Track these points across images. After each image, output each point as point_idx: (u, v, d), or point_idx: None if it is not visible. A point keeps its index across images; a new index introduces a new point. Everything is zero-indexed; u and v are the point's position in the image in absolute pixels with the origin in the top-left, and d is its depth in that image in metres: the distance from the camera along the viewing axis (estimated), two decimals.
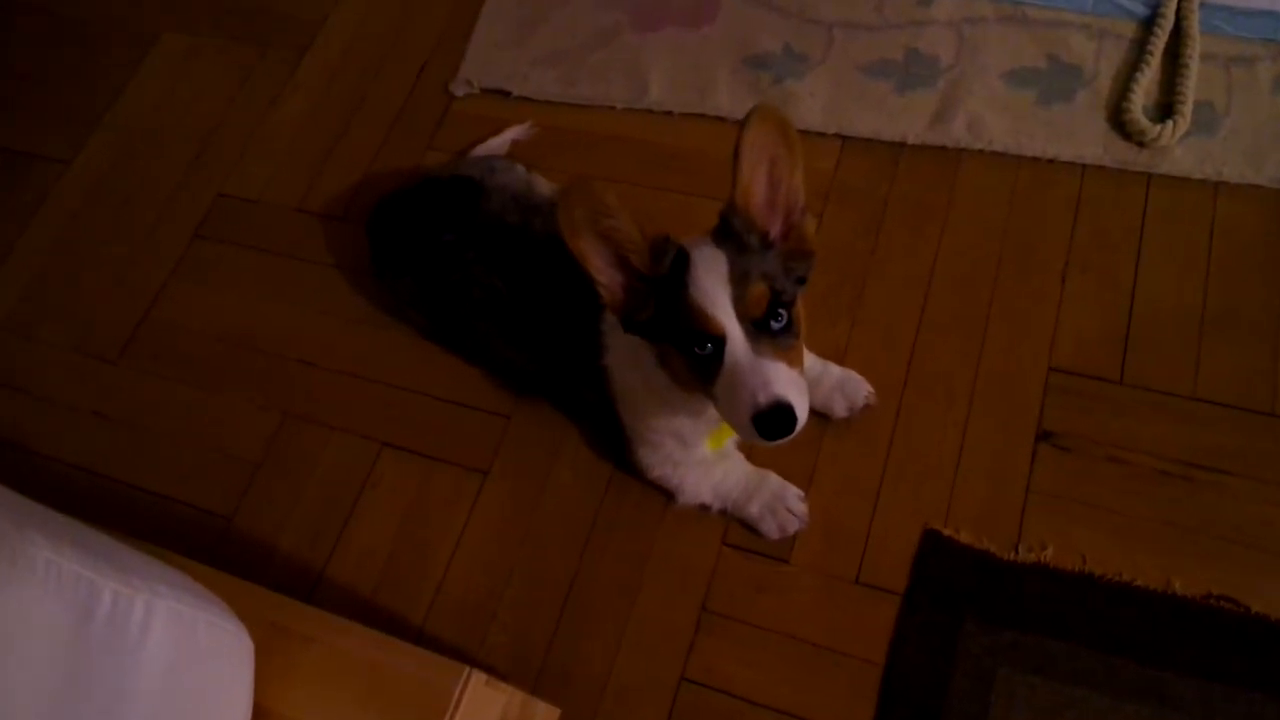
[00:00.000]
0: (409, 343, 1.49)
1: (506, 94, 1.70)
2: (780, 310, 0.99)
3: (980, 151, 1.47)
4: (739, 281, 0.97)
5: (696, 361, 1.00)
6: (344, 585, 1.33)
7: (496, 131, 1.64)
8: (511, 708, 0.93)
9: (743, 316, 0.97)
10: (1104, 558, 1.17)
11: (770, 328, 0.98)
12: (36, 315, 1.66)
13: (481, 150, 1.59)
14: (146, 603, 0.66)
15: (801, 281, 1.04)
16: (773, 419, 0.94)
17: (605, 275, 1.02)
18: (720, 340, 0.97)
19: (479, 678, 0.83)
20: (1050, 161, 1.45)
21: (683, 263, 0.99)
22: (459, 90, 1.73)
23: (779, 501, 1.24)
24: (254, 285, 1.61)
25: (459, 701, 0.80)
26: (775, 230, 1.04)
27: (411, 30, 1.84)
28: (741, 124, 0.97)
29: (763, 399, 0.94)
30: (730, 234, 1.01)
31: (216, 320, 1.59)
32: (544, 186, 1.45)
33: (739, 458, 1.28)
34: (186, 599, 0.72)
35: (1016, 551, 1.19)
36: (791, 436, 0.96)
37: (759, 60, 1.64)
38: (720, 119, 1.60)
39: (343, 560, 1.35)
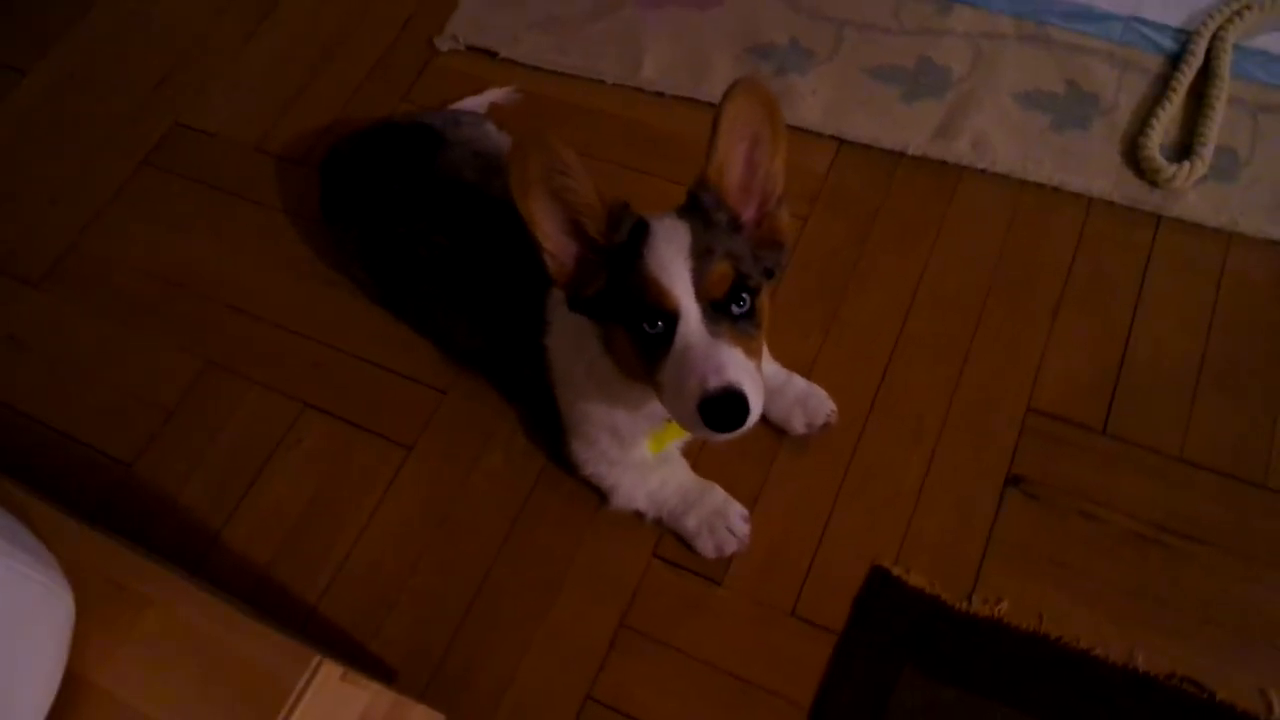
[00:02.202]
0: (350, 300, 1.38)
1: (493, 54, 1.60)
2: (743, 295, 0.89)
3: (983, 171, 1.38)
4: (701, 256, 0.87)
5: (644, 342, 0.89)
6: (240, 551, 1.22)
7: (477, 92, 1.54)
8: (376, 708, 0.82)
9: (701, 295, 0.87)
10: (1064, 620, 1.07)
11: (730, 311, 0.89)
12: None
13: (459, 106, 1.49)
14: None
15: (770, 274, 0.94)
16: (722, 406, 0.84)
17: (555, 242, 0.92)
18: (673, 318, 0.87)
19: (331, 670, 0.72)
20: (1056, 190, 1.35)
21: (641, 234, 0.89)
22: (443, 45, 1.63)
23: (719, 518, 1.13)
24: (196, 222, 1.50)
25: (302, 694, 0.69)
26: (747, 215, 0.94)
27: None
28: (724, 95, 0.87)
29: (713, 383, 0.84)
30: (698, 208, 0.91)
31: (151, 254, 1.47)
32: None
33: (682, 465, 1.18)
34: None
35: (970, 601, 1.09)
36: (742, 431, 0.86)
37: (763, 50, 1.54)
38: (714, 105, 1.49)
39: (243, 523, 1.23)
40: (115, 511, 1.26)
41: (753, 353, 0.90)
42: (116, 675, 0.72)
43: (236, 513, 1.24)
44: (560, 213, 0.91)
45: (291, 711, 0.69)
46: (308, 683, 0.70)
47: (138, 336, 1.40)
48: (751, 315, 0.91)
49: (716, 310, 0.88)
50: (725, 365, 0.85)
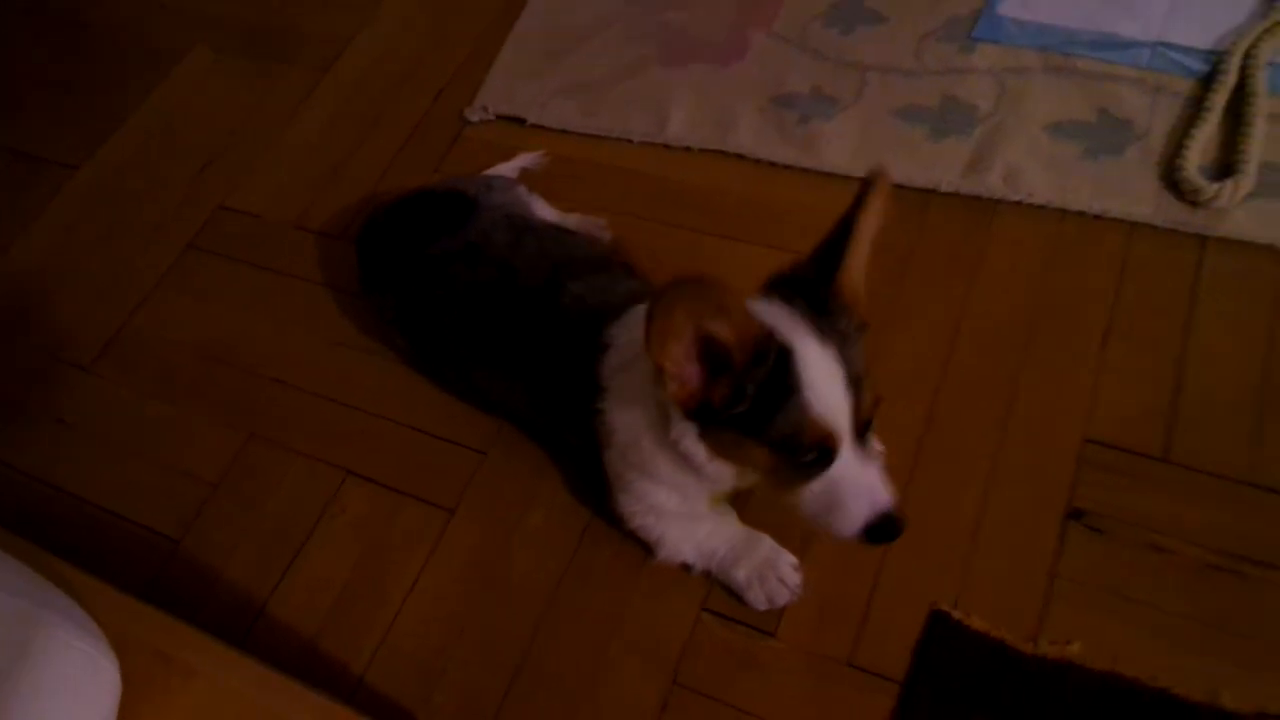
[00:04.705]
0: (389, 368, 1.40)
1: (521, 121, 1.64)
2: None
3: (1018, 203, 1.36)
4: (855, 388, 0.87)
5: (794, 467, 0.89)
6: (286, 623, 1.21)
7: (507, 159, 1.57)
8: None
9: (855, 425, 0.88)
10: (1140, 659, 1.01)
11: (867, 428, 0.90)
12: (17, 317, 1.60)
13: (490, 173, 1.52)
14: None
15: None
16: (884, 529, 0.88)
17: (681, 369, 0.87)
18: (830, 451, 0.87)
19: None
20: (1096, 218, 1.33)
21: (784, 360, 0.85)
22: (474, 116, 1.67)
23: (770, 568, 1.10)
24: (240, 299, 1.54)
25: None
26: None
27: (433, 56, 1.80)
28: (862, 193, 0.85)
29: (874, 511, 0.88)
30: (827, 317, 0.89)
31: (196, 333, 1.51)
32: (546, 212, 1.36)
33: (730, 514, 1.15)
34: (26, 605, 0.61)
35: (1037, 643, 1.03)
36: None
37: (786, 100, 1.55)
38: (740, 157, 1.51)
39: (289, 595, 1.23)
40: (164, 588, 1.26)
41: (877, 455, 0.92)
42: None
43: (282, 584, 1.24)
44: (695, 346, 0.85)
45: None
46: None
47: (183, 414, 1.43)
48: (871, 421, 0.91)
49: (861, 434, 0.89)
50: (878, 489, 0.89)
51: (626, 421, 1.05)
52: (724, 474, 0.98)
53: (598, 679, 1.10)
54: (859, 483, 0.88)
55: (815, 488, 0.89)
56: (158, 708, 0.72)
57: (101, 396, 1.47)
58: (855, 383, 0.86)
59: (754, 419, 0.88)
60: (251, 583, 1.24)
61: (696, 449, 0.95)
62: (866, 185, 0.85)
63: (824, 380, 0.86)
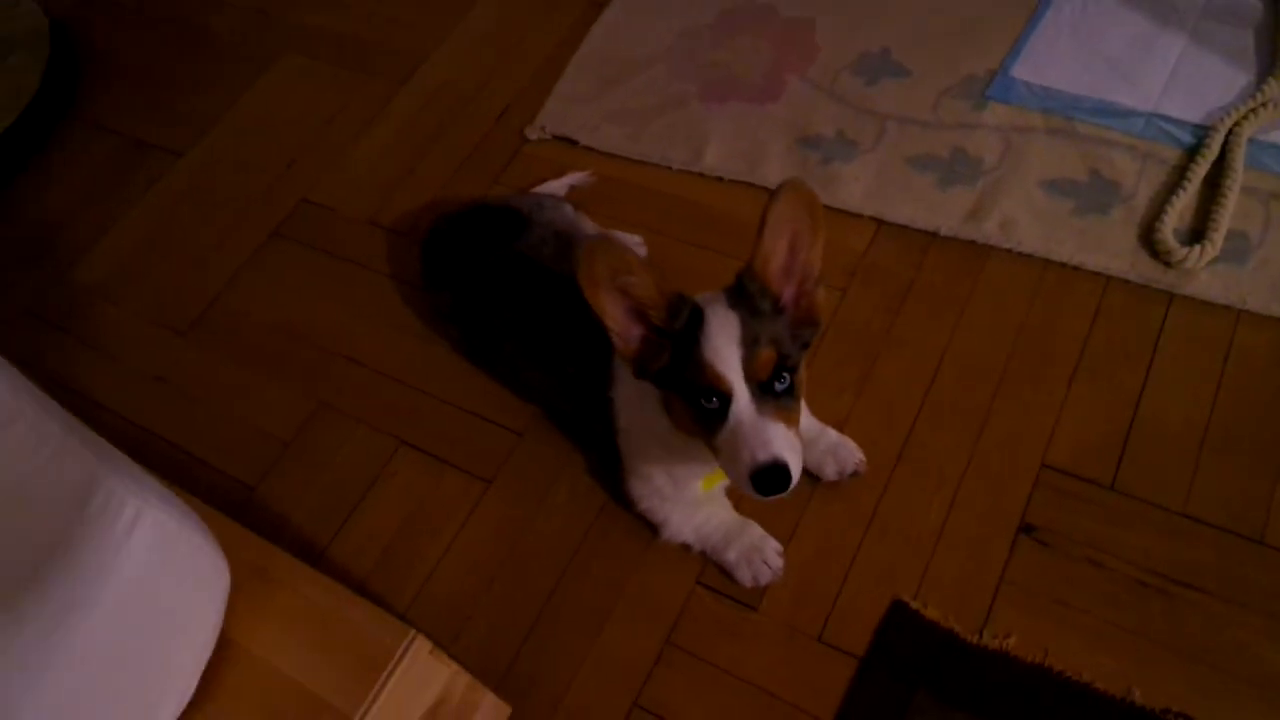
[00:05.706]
0: (444, 355, 1.60)
1: (574, 142, 1.83)
2: (784, 373, 1.03)
3: (1009, 251, 1.52)
4: (749, 344, 1.02)
5: (702, 413, 1.04)
6: (342, 565, 1.41)
7: (558, 175, 1.76)
8: (456, 686, 0.99)
9: (750, 377, 1.02)
10: (1067, 656, 1.17)
11: (774, 389, 1.03)
12: (124, 284, 1.83)
13: (541, 190, 1.71)
14: (138, 508, 0.76)
15: (805, 346, 1.09)
16: (769, 476, 1.00)
17: (620, 326, 1.06)
18: (727, 397, 1.02)
19: (423, 644, 0.90)
20: (1076, 269, 1.48)
21: (697, 320, 1.04)
22: (532, 134, 1.86)
23: (756, 552, 1.28)
24: (316, 284, 1.75)
25: (400, 660, 0.87)
26: (787, 295, 1.08)
27: (500, 77, 1.99)
28: (771, 195, 1.00)
29: (761, 457, 0.99)
30: (744, 295, 1.05)
31: (277, 311, 1.72)
32: (590, 227, 1.55)
33: (725, 504, 1.33)
34: (176, 516, 0.81)
35: (981, 635, 1.20)
36: (785, 494, 1.01)
37: (812, 141, 1.73)
38: (766, 189, 1.68)
39: (346, 542, 1.43)
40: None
41: (792, 422, 1.05)
42: (257, 639, 0.91)
43: (340, 532, 1.44)
44: (624, 303, 1.05)
45: (391, 674, 0.87)
46: (405, 651, 0.88)
47: (263, 380, 1.64)
48: (791, 390, 1.05)
49: (763, 390, 1.02)
50: (771, 441, 1.00)
51: (626, 403, 1.25)
52: (688, 448, 1.14)
53: (603, 634, 1.29)
54: (753, 432, 0.99)
55: (722, 439, 1.02)
56: (253, 608, 0.91)
57: (194, 360, 1.69)
58: (751, 341, 1.01)
59: (673, 372, 1.05)
60: (314, 529, 1.45)
61: (661, 418, 1.14)
62: (779, 188, 1.00)
63: (719, 334, 1.02)
